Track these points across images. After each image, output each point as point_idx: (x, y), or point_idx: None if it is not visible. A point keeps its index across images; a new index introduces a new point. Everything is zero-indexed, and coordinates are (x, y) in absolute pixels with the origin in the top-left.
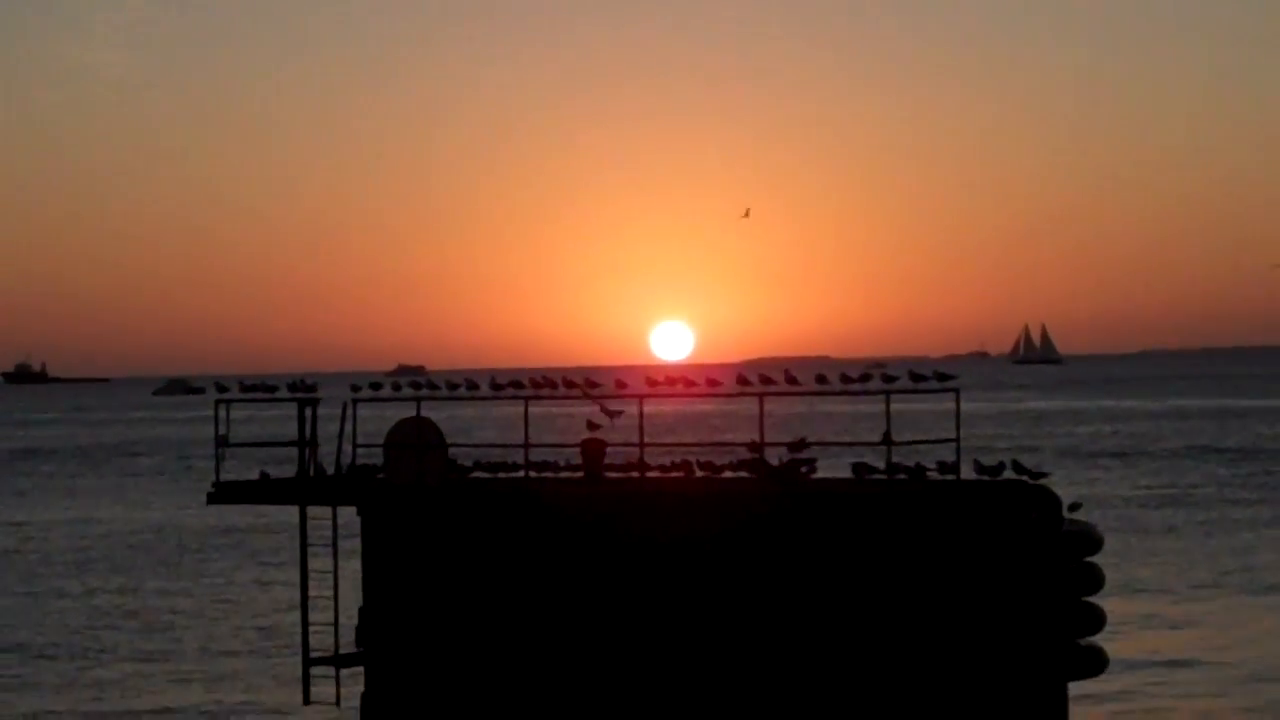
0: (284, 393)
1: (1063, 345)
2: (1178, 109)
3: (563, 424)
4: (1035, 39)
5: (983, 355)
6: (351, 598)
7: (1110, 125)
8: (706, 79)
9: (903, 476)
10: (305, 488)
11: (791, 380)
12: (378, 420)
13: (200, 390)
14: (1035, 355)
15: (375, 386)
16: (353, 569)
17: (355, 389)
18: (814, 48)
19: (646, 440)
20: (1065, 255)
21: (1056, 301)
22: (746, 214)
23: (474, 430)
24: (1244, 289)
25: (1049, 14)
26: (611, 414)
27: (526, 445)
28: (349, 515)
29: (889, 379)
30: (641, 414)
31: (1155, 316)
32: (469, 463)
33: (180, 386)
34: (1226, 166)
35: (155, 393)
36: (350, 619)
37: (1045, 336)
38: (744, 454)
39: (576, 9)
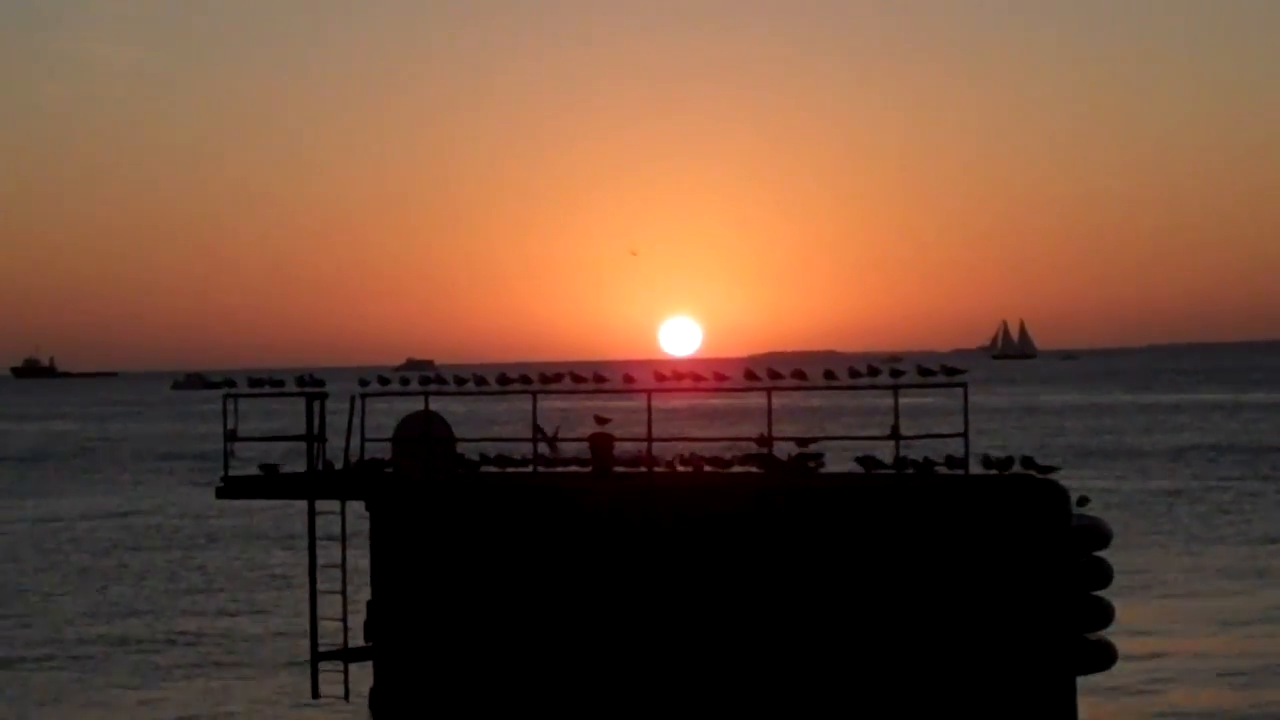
0: (292, 387)
1: (1065, 339)
2: (1171, 104)
3: (571, 418)
4: (1030, 41)
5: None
6: (360, 592)
7: (1108, 118)
8: (712, 79)
9: (911, 471)
10: (314, 482)
11: (799, 375)
12: (386, 415)
13: (217, 385)
14: (1013, 350)
15: (384, 381)
16: (361, 563)
17: (364, 383)
18: (817, 50)
19: (655, 435)
20: (1069, 249)
21: (1059, 294)
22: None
23: (482, 425)
24: (1243, 284)
25: (1039, 16)
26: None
27: (535, 440)
28: (357, 510)
29: (896, 374)
30: (650, 408)
31: (1158, 312)
32: (477, 457)
33: (198, 381)
34: (1221, 162)
35: (173, 387)
36: (359, 613)
37: (1024, 332)
38: (752, 448)
39: (589, 7)
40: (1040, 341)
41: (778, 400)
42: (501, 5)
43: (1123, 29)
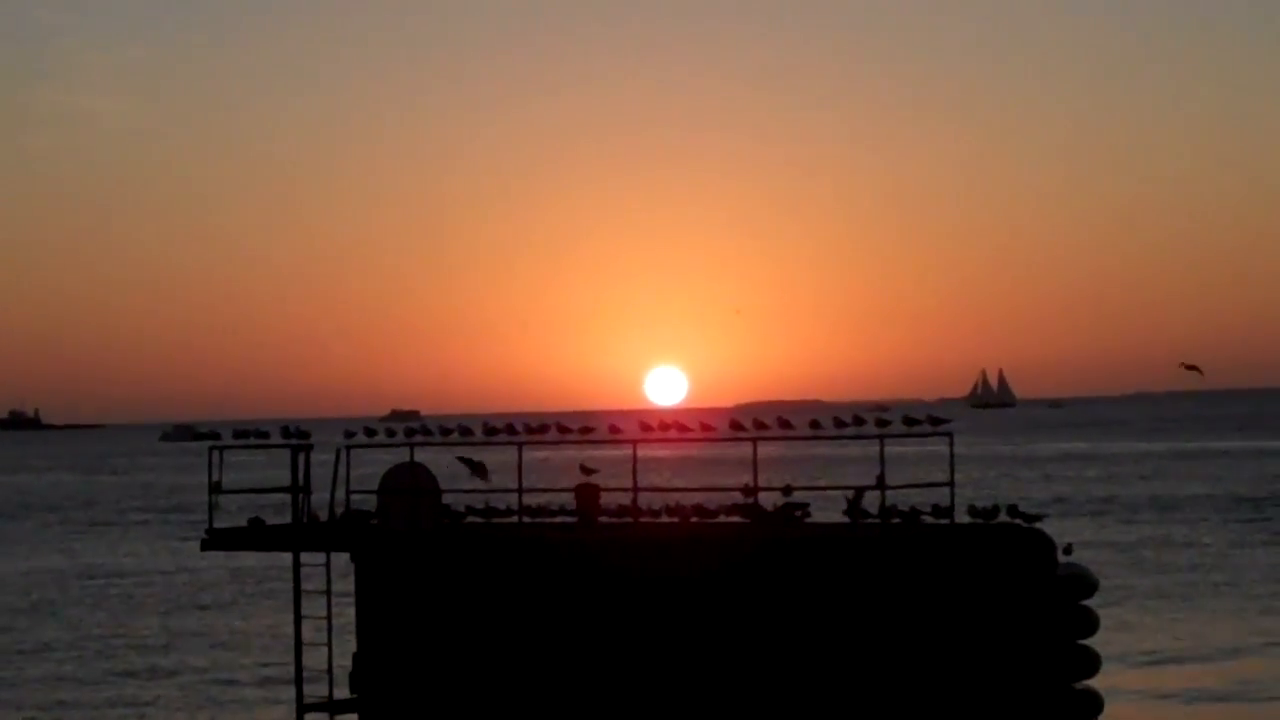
0: (277, 439)
1: (1051, 388)
2: (1155, 153)
3: (556, 469)
4: (1012, 92)
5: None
6: (346, 644)
7: (1092, 169)
8: (697, 130)
9: (897, 520)
10: (299, 534)
11: (785, 425)
12: (371, 466)
13: (206, 436)
14: (992, 399)
15: (369, 432)
16: (347, 615)
17: (349, 434)
18: (801, 101)
19: (640, 485)
20: (1054, 297)
21: (1045, 343)
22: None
23: (468, 476)
24: (1228, 332)
25: (1021, 69)
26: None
27: (520, 490)
28: (343, 561)
29: (882, 423)
30: (635, 459)
31: (1142, 360)
32: (462, 508)
33: (187, 433)
34: (1206, 211)
35: (162, 438)
36: (344, 665)
37: (1002, 380)
38: (738, 498)
39: (574, 60)
40: (1027, 390)
41: (763, 450)
42: (490, 58)
43: (1104, 80)
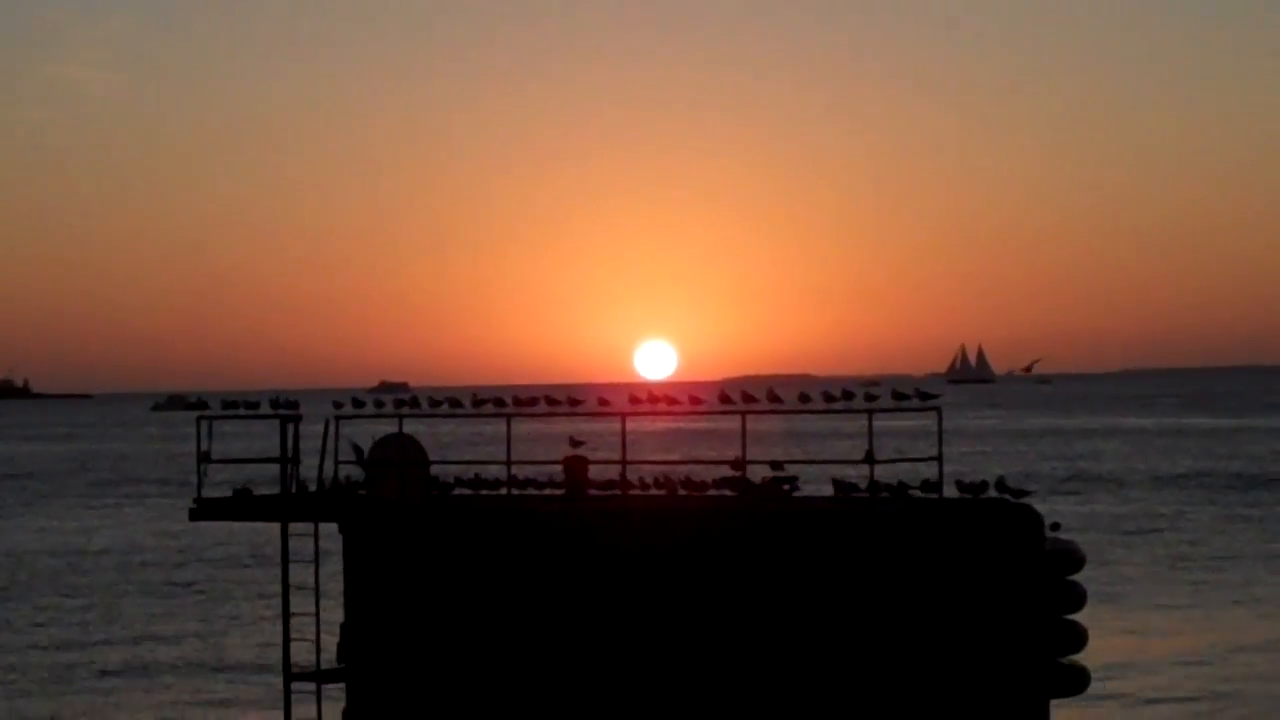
0: (266, 409)
1: (1038, 364)
2: (1140, 130)
3: (545, 441)
4: (998, 70)
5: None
6: (333, 614)
7: (1077, 145)
8: (689, 108)
9: (885, 495)
10: (287, 505)
11: (774, 398)
12: (360, 437)
13: (195, 406)
14: (971, 375)
15: (358, 403)
16: (335, 586)
17: (338, 405)
18: (794, 79)
19: (629, 458)
20: (1041, 274)
21: (1031, 318)
22: None
23: (457, 447)
24: (1214, 309)
25: (1006, 49)
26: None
27: (509, 462)
28: (331, 532)
29: (871, 398)
30: (624, 432)
31: (1130, 337)
32: (451, 479)
33: (179, 402)
34: (1191, 188)
35: (154, 408)
36: (332, 636)
37: (981, 356)
38: (726, 472)
39: (571, 38)
40: (1008, 366)
41: (752, 424)
42: (482, 34)
43: (1089, 60)
